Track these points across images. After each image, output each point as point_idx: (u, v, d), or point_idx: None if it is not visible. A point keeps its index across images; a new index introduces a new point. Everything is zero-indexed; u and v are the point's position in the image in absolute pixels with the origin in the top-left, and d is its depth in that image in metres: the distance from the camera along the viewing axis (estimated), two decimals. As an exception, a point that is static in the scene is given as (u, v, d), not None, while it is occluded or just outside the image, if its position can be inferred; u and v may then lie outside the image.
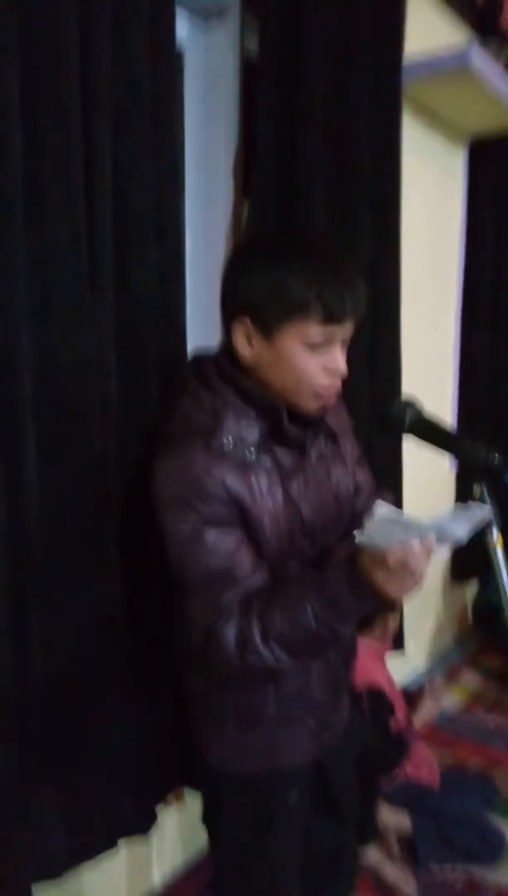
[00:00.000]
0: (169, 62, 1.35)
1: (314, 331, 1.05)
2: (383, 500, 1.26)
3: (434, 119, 2.51)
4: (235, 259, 1.15)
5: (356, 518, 1.22)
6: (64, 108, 1.13)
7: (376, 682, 2.06)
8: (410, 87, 2.12)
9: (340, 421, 1.27)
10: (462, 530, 0.98)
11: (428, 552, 0.96)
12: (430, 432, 1.17)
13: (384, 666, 2.18)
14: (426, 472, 2.46)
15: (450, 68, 2.07)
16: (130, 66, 1.26)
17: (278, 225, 1.66)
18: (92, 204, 1.21)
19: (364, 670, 1.99)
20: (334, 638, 1.05)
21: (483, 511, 0.96)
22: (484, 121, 2.56)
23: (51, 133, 1.12)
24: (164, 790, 1.54)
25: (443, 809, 2.03)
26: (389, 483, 2.16)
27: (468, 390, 3.03)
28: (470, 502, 0.98)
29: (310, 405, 1.12)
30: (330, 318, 1.04)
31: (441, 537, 0.98)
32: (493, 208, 2.94)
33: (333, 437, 1.24)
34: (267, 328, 1.07)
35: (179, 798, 1.66)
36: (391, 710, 2.08)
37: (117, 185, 1.26)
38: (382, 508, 0.92)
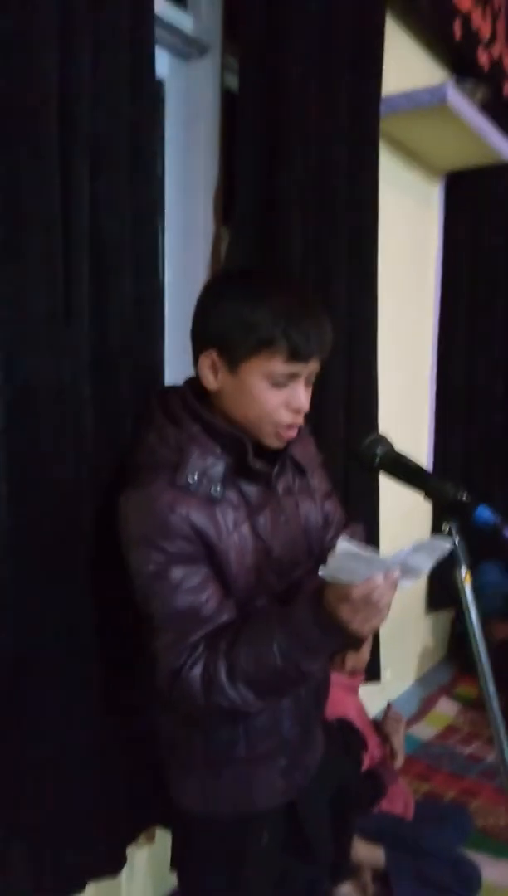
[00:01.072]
0: (149, 93, 1.36)
1: (279, 367, 1.06)
2: (354, 532, 1.27)
3: (411, 154, 2.55)
4: (206, 294, 1.16)
5: (326, 552, 1.21)
6: (41, 138, 1.13)
7: (346, 715, 2.04)
8: (387, 123, 2.16)
9: (307, 454, 1.27)
10: (425, 564, 0.99)
11: (392, 587, 0.96)
12: (399, 469, 1.18)
13: (355, 699, 2.16)
14: (406, 503, 2.45)
15: (427, 105, 2.11)
16: (110, 97, 1.26)
17: (257, 255, 1.67)
18: (69, 235, 1.20)
19: (334, 703, 1.97)
20: (300, 676, 1.04)
21: (445, 543, 0.97)
22: (460, 156, 2.61)
23: (27, 164, 1.11)
24: (135, 831, 1.51)
25: (418, 843, 2.01)
26: (365, 514, 2.16)
27: (444, 424, 3.04)
28: (433, 535, 0.99)
29: (271, 441, 1.13)
30: (295, 355, 1.05)
31: (405, 571, 0.98)
32: (469, 241, 2.99)
33: (301, 471, 1.24)
34: (233, 361, 1.08)
35: (151, 839, 1.62)
36: (363, 744, 2.06)
37: (95, 217, 1.26)
38: (344, 543, 0.92)
